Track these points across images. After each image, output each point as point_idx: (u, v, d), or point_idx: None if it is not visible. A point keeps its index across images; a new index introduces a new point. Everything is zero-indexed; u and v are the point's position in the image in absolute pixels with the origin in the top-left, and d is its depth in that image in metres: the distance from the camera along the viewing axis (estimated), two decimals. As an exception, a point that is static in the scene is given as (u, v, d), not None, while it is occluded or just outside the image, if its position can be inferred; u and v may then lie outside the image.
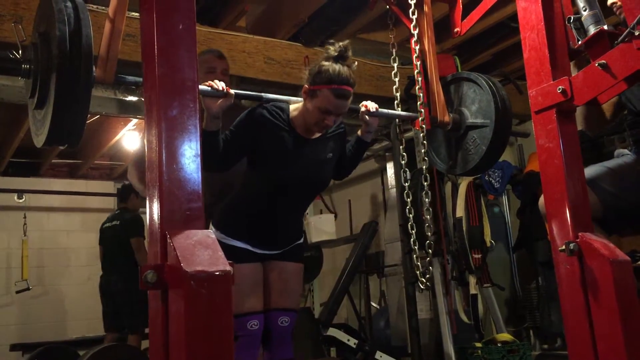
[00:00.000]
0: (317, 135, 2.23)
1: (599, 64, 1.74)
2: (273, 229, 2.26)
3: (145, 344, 4.93)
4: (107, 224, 5.28)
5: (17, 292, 6.28)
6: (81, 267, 6.85)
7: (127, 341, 4.91)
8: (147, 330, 4.69)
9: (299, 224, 2.39)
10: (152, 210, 1.42)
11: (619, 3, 2.13)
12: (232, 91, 2.05)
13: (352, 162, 2.41)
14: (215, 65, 2.70)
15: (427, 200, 2.56)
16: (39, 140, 1.83)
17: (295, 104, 2.23)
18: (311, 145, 2.22)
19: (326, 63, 2.10)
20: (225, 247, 2.13)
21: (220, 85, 2.02)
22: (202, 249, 1.34)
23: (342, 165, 2.38)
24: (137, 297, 4.88)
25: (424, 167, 2.55)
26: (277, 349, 2.28)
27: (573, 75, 1.88)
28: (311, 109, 2.12)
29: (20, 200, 6.58)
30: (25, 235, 6.48)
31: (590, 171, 2.18)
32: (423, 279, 2.52)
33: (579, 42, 1.88)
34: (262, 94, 2.23)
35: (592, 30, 1.83)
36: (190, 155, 1.45)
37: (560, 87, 1.85)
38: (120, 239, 5.04)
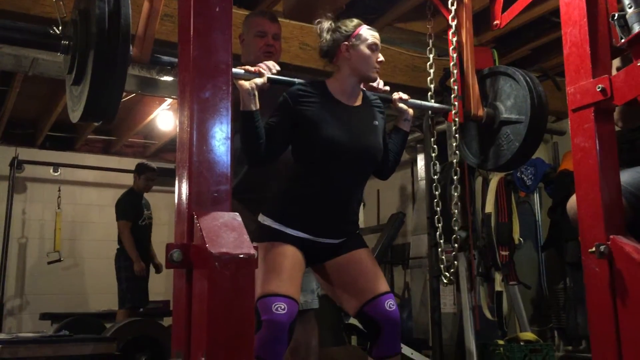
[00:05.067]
0: (357, 103, 2.18)
1: (642, 64, 1.70)
2: (330, 211, 2.09)
3: (167, 321, 5.03)
4: None
5: (49, 262, 6.43)
6: (111, 241, 6.93)
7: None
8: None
9: (356, 209, 2.23)
10: (181, 191, 1.44)
11: None
12: (267, 74, 2.04)
13: (396, 155, 2.33)
14: (266, 30, 2.47)
15: (456, 194, 2.54)
16: (75, 116, 1.86)
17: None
18: (353, 112, 2.15)
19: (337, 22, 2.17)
20: (271, 230, 2.05)
21: (253, 69, 2.03)
22: (228, 231, 1.35)
23: (387, 159, 2.29)
24: (118, 276, 5.12)
25: (455, 160, 2.52)
26: (387, 343, 2.01)
27: (614, 74, 1.83)
28: (359, 57, 2.11)
29: (56, 174, 6.70)
30: (59, 208, 6.62)
31: (622, 177, 2.13)
32: (447, 273, 2.51)
33: (622, 40, 1.83)
34: (296, 79, 2.19)
35: (636, 28, 1.78)
36: (220, 138, 1.46)
37: (600, 85, 1.81)
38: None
